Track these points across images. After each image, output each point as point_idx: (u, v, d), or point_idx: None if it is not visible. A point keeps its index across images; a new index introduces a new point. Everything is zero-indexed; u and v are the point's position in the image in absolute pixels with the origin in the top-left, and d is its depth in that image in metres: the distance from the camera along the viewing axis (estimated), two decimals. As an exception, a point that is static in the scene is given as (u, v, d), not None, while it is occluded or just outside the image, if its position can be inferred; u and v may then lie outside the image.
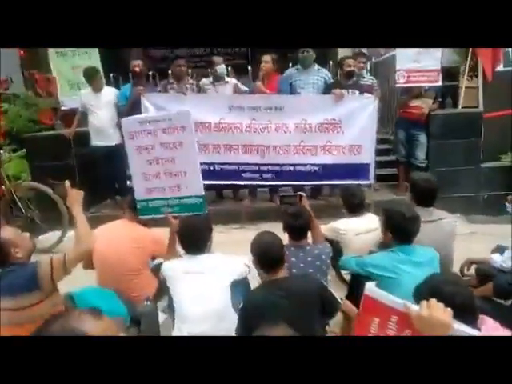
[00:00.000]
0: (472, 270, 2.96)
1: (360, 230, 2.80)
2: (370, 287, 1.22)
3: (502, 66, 4.73)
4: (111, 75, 6.08)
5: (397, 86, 4.64)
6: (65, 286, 2.18)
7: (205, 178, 4.35)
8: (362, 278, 2.26)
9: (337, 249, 2.91)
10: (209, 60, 5.23)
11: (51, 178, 4.25)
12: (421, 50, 4.44)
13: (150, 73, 6.29)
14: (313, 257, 2.32)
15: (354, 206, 2.87)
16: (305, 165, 4.38)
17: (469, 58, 4.71)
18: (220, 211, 4.68)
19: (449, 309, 1.04)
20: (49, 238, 4.33)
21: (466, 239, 4.17)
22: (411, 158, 4.79)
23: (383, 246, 2.38)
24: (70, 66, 5.30)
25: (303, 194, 2.67)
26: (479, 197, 4.67)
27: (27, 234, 2.19)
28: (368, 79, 4.82)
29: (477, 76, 4.87)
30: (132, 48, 9.50)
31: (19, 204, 4.17)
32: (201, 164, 4.35)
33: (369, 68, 5.55)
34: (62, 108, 5.36)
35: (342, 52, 6.07)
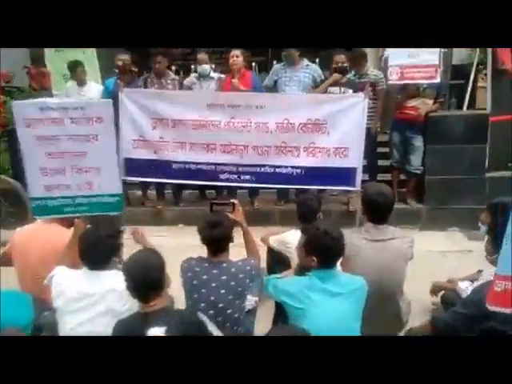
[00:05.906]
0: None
1: (305, 244, 2.50)
2: None
3: (516, 63, 4.22)
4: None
5: (389, 83, 4.22)
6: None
7: (181, 177, 4.29)
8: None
9: (286, 263, 2.65)
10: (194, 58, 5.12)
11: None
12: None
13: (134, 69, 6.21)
14: (228, 275, 2.00)
15: (304, 216, 2.57)
16: (286, 167, 4.10)
17: (477, 53, 4.21)
18: (203, 212, 4.48)
19: None
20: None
21: (459, 258, 3.81)
22: (405, 164, 4.38)
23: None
24: (64, 61, 5.30)
25: (236, 201, 2.38)
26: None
27: None
28: (371, 75, 4.40)
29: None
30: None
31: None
32: (177, 163, 4.26)
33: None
34: (55, 102, 5.36)
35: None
